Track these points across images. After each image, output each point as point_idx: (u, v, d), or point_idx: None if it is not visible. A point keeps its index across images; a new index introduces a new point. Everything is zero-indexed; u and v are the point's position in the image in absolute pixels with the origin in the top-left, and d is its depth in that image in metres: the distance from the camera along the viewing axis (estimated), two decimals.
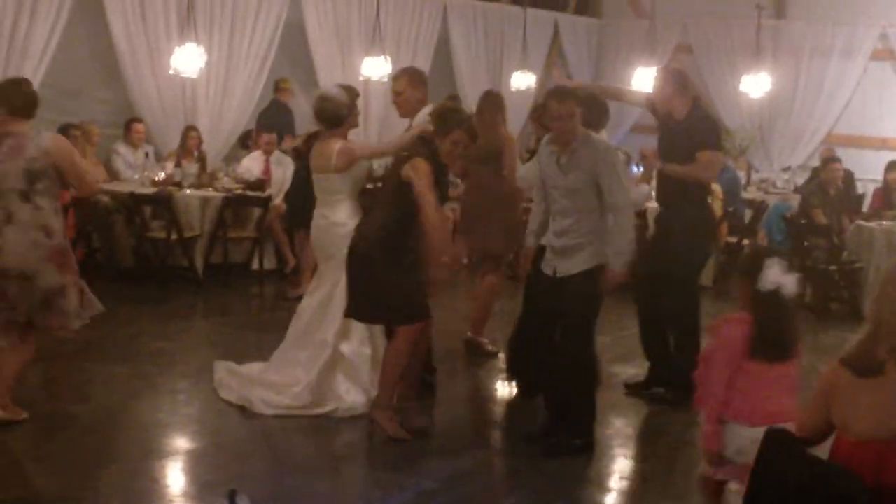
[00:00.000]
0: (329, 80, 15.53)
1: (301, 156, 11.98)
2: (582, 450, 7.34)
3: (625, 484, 7.04)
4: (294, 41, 15.40)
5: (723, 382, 5.31)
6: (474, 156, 9.70)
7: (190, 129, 13.82)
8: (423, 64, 17.12)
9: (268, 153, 13.81)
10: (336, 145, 8.00)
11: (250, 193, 12.92)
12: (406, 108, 8.54)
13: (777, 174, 17.97)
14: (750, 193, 15.97)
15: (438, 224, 7.12)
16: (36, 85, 12.07)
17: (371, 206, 7.84)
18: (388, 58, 15.32)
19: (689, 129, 8.61)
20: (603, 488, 7.00)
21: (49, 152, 7.17)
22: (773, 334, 5.30)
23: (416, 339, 7.45)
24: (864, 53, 18.13)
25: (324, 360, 8.00)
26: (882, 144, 17.69)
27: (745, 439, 5.20)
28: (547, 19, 19.66)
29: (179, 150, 13.67)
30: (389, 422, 7.43)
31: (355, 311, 7.52)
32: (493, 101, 10.12)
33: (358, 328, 7.98)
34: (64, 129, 12.25)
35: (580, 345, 7.33)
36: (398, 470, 6.92)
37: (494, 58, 18.64)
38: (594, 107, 8.31)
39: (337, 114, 8.07)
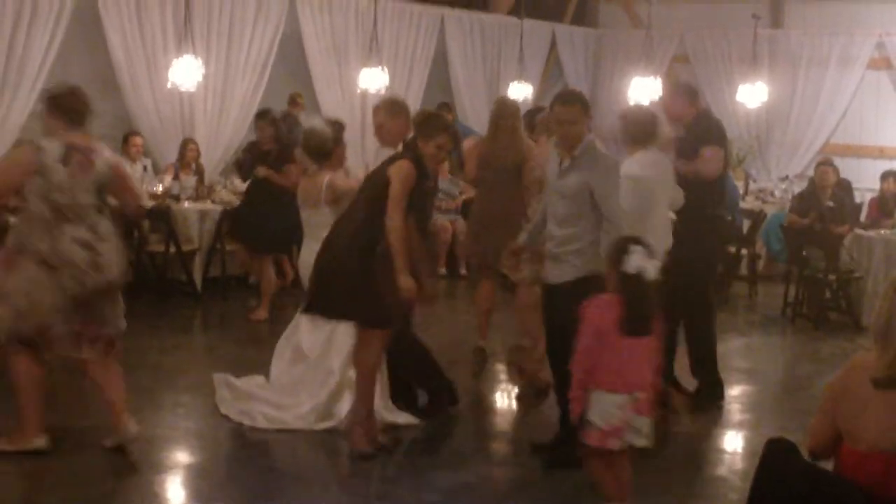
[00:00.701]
0: (326, 91, 15.58)
1: (242, 169, 12.28)
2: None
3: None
4: (291, 53, 15.40)
5: (590, 355, 5.93)
6: (494, 164, 9.70)
7: (188, 142, 13.81)
8: (420, 75, 17.18)
9: None
10: (325, 179, 8.00)
11: None
12: (388, 138, 8.38)
13: (775, 184, 17.96)
14: (748, 203, 15.98)
15: (398, 232, 7.02)
16: (33, 99, 12.24)
17: (351, 206, 7.59)
18: (386, 69, 15.32)
19: (694, 132, 8.72)
20: None
21: (114, 166, 7.08)
22: (635, 312, 5.89)
23: (386, 346, 7.45)
24: (861, 62, 18.14)
25: (330, 388, 8.01)
26: (879, 153, 17.71)
27: (610, 405, 5.89)
28: (544, 30, 19.68)
29: (177, 163, 13.68)
30: (362, 437, 7.36)
31: (322, 307, 7.38)
32: (511, 109, 10.03)
33: None
34: None
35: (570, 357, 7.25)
36: (399, 482, 6.92)
37: (492, 68, 18.65)
38: (641, 122, 8.25)
39: (322, 148, 8.06)
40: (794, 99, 18.53)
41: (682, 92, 9.08)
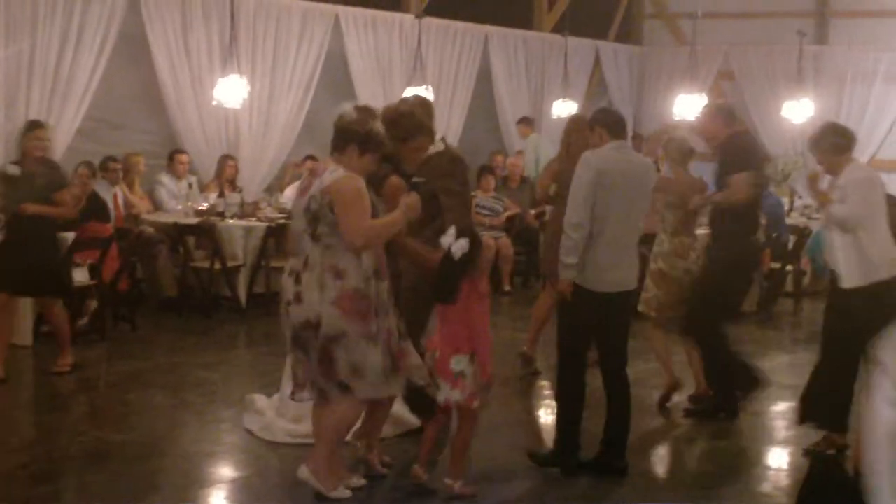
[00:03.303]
0: None
1: (16, 187, 9.64)
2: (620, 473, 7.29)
3: None
4: (336, 71, 15.46)
5: None
6: (568, 180, 9.64)
7: (226, 158, 13.88)
8: (465, 93, 17.22)
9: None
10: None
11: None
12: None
13: None
14: (793, 219, 15.86)
15: (408, 246, 6.97)
16: (80, 117, 12.34)
17: None
18: (430, 87, 15.36)
19: (723, 155, 8.72)
20: None
21: (326, 190, 6.40)
22: (439, 282, 6.70)
23: None
24: None
25: None
26: None
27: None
28: (588, 47, 19.68)
29: (217, 180, 13.76)
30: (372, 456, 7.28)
31: None
32: (582, 126, 9.91)
33: None
34: (104, 163, 12.37)
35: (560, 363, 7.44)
36: (443, 497, 6.88)
37: (536, 86, 18.67)
38: (838, 133, 8.02)
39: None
40: (840, 115, 18.41)
41: (717, 112, 9.07)
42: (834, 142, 7.85)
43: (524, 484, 7.32)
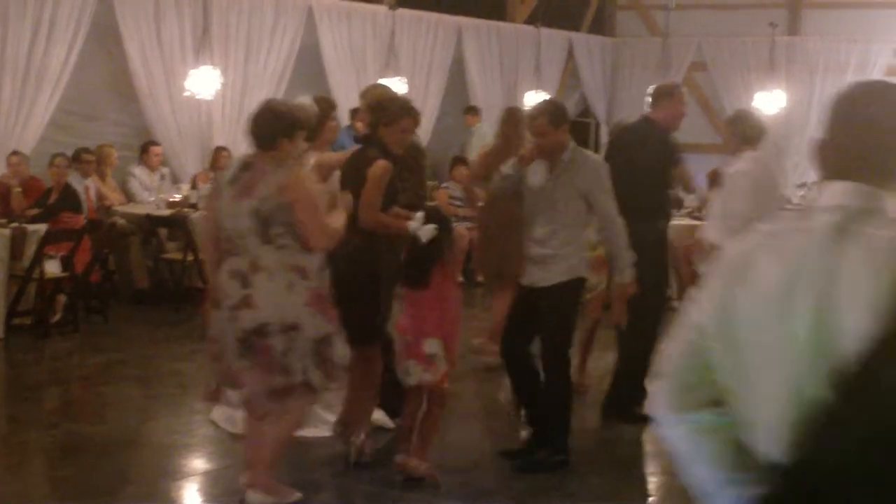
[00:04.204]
0: (345, 101, 15.60)
1: None
2: (560, 466, 7.24)
3: (648, 501, 7.02)
4: (309, 62, 15.43)
5: None
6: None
7: (220, 150, 13.79)
8: (438, 84, 17.24)
9: None
10: (311, 160, 7.72)
11: None
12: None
13: (793, 190, 17.93)
14: None
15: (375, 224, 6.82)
16: (52, 109, 12.30)
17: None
18: (403, 78, 15.36)
19: None
20: None
21: (283, 188, 6.02)
22: (409, 267, 6.79)
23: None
24: (879, 70, 18.13)
25: None
26: None
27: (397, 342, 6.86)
28: (561, 38, 19.70)
29: (210, 171, 13.70)
30: (366, 444, 7.30)
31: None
32: (518, 118, 9.95)
33: None
34: (77, 154, 12.31)
35: (557, 360, 7.27)
36: (414, 489, 6.87)
37: (509, 77, 18.68)
38: (749, 123, 8.27)
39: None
40: (812, 106, 18.53)
41: None
42: (746, 131, 8.08)
43: (491, 474, 7.34)
